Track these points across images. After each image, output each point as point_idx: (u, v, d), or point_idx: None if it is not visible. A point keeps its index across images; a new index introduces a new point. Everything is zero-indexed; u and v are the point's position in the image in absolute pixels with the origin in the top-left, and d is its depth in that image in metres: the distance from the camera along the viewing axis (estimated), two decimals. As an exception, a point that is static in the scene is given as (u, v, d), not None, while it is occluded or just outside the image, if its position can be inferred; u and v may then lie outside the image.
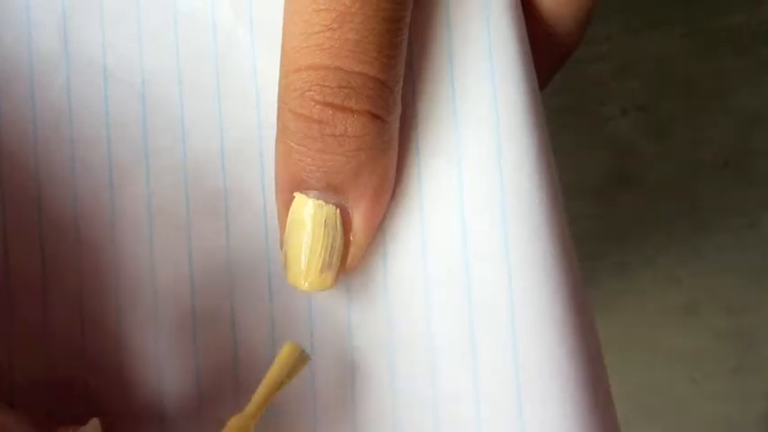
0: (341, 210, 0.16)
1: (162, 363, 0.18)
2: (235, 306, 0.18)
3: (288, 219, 0.17)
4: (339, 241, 0.17)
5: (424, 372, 0.17)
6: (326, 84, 0.15)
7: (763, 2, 0.53)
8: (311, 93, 0.16)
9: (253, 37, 0.18)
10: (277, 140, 0.17)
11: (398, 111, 0.17)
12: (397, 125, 0.17)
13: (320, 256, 0.17)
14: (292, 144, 0.16)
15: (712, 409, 0.52)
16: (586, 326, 0.17)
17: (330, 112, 0.16)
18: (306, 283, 0.17)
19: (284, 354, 0.16)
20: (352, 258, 0.17)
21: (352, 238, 0.17)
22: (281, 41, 0.16)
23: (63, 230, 0.18)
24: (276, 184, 0.17)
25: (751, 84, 0.53)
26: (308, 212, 0.16)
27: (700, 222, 0.53)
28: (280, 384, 0.16)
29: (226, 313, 0.18)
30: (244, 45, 0.18)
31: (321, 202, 0.16)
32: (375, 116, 0.16)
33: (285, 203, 0.17)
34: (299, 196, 0.16)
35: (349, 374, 0.18)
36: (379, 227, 0.17)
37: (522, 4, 0.18)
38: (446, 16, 0.18)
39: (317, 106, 0.16)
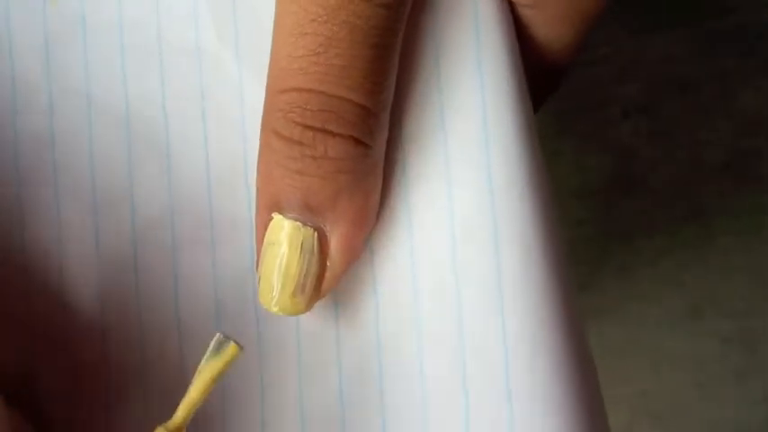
0: (318, 233, 0.16)
1: (151, 392, 0.18)
2: (222, 332, 0.18)
3: (264, 239, 0.16)
4: (315, 265, 0.16)
5: (414, 403, 0.17)
6: (308, 107, 0.15)
7: (765, 3, 0.53)
8: (293, 115, 0.16)
9: (239, 63, 0.18)
10: (259, 161, 0.17)
11: (384, 136, 0.16)
12: (381, 151, 0.16)
13: (294, 279, 0.16)
14: (272, 164, 0.16)
15: (717, 414, 0.52)
16: (581, 350, 0.17)
17: (311, 134, 0.16)
18: (277, 307, 0.16)
19: (214, 349, 0.15)
20: (327, 284, 0.17)
21: (328, 263, 0.17)
22: (268, 65, 0.16)
23: (46, 258, 0.18)
24: (256, 204, 0.17)
25: (754, 86, 0.53)
26: (285, 234, 0.16)
27: (703, 225, 0.53)
28: (211, 383, 0.16)
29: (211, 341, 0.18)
30: (230, 71, 0.18)
31: (298, 223, 0.16)
32: (357, 141, 0.16)
33: (263, 224, 0.17)
34: (276, 217, 0.16)
35: (338, 403, 0.17)
36: (361, 252, 0.17)
37: (515, 32, 0.18)
38: (435, 37, 0.17)
39: (298, 128, 0.16)
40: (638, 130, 0.53)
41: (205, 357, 0.16)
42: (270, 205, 0.16)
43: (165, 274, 0.18)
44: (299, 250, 0.16)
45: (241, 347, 0.16)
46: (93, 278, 0.19)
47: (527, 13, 0.18)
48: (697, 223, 0.53)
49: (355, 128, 0.16)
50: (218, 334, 0.16)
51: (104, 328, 0.19)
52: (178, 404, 0.18)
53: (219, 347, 0.16)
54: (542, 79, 0.20)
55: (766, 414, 0.52)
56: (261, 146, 0.16)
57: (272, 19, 0.18)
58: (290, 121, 0.16)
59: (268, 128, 0.16)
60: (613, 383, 0.52)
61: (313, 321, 0.18)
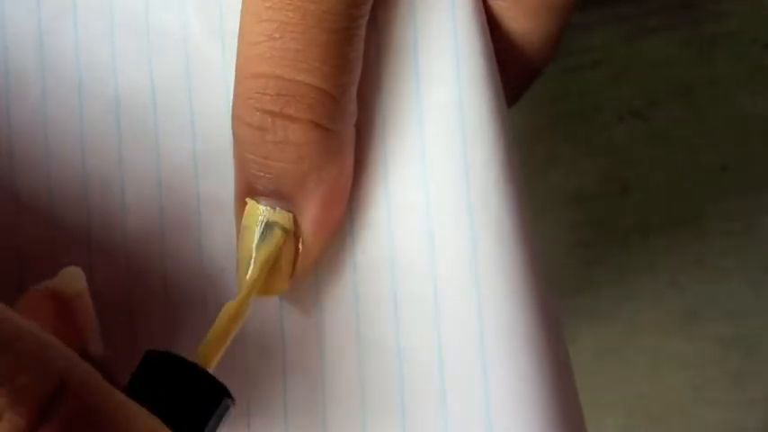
0: (289, 217, 0.17)
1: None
2: (209, 315, 0.18)
3: (241, 224, 0.17)
4: (285, 249, 0.17)
5: (393, 388, 0.17)
6: (266, 92, 0.16)
7: (759, 7, 0.53)
8: (252, 101, 0.16)
9: (224, 52, 0.18)
10: (233, 148, 0.17)
11: (347, 119, 0.17)
12: (347, 133, 0.17)
13: (267, 261, 0.17)
14: (241, 150, 0.17)
15: (714, 416, 0.52)
16: (554, 336, 0.17)
17: (269, 119, 0.16)
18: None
19: (261, 236, 0.17)
20: (300, 266, 0.17)
21: (301, 246, 0.17)
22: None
23: (41, 244, 0.19)
24: (234, 190, 0.17)
25: (748, 89, 0.53)
26: (258, 219, 0.17)
27: (699, 228, 0.53)
28: (266, 265, 0.17)
29: (201, 323, 0.18)
30: (215, 60, 0.18)
31: (269, 208, 0.17)
32: (316, 125, 0.16)
33: (240, 209, 0.17)
34: (250, 202, 0.17)
35: (320, 386, 0.18)
36: (347, 244, 0.18)
37: (489, 25, 0.18)
38: (414, 27, 0.18)
39: (257, 113, 0.16)
40: (633, 133, 0.53)
41: (255, 244, 0.17)
42: (244, 190, 0.17)
43: (154, 257, 0.19)
44: (271, 234, 0.17)
45: (286, 231, 0.17)
46: (85, 262, 0.19)
47: (500, 6, 0.19)
48: (693, 225, 0.53)
49: (313, 111, 0.16)
50: (261, 216, 0.17)
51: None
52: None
53: (265, 235, 0.17)
54: (519, 73, 0.20)
55: (764, 416, 0.52)
56: (232, 133, 0.17)
57: None
58: (251, 107, 0.16)
59: (234, 114, 0.17)
60: (610, 385, 0.52)
61: (294, 302, 0.18)
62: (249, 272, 0.17)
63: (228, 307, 0.17)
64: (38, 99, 0.19)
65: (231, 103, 0.17)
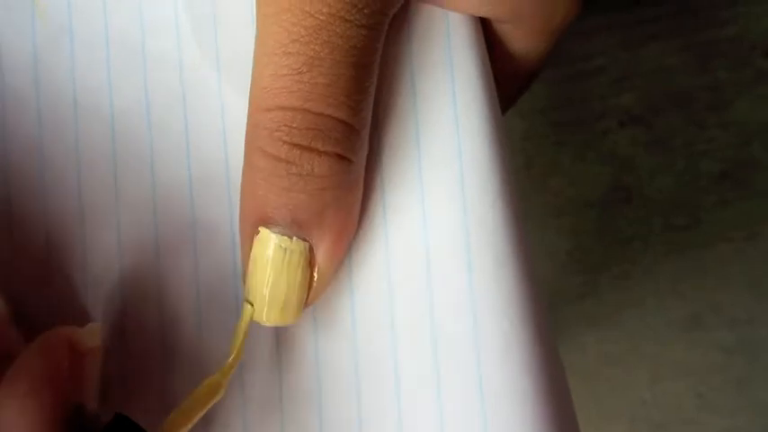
0: (305, 246, 0.17)
1: (133, 396, 0.18)
2: (203, 338, 0.18)
3: (251, 253, 0.17)
4: (302, 277, 0.17)
5: (390, 410, 0.17)
6: (294, 125, 0.16)
7: (759, 14, 0.53)
8: (279, 133, 0.16)
9: (219, 75, 0.18)
10: (243, 176, 0.17)
11: (365, 151, 0.17)
12: (363, 165, 0.17)
13: (282, 291, 0.17)
14: (259, 180, 0.16)
15: (718, 423, 0.52)
16: (550, 353, 0.17)
17: (297, 152, 0.16)
18: (267, 318, 0.17)
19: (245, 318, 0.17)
20: (314, 294, 0.17)
21: (315, 275, 0.17)
22: (249, 79, 0.17)
23: (35, 263, 0.19)
24: (240, 218, 0.17)
25: (748, 96, 0.53)
26: (273, 248, 0.17)
27: (700, 234, 0.53)
28: (244, 335, 0.17)
29: (195, 346, 0.18)
30: (210, 83, 0.18)
31: (285, 238, 0.16)
32: (342, 157, 0.16)
33: (249, 237, 0.17)
34: (263, 231, 0.17)
35: (316, 410, 0.18)
36: (344, 263, 0.18)
37: (490, 44, 0.18)
38: (410, 56, 0.18)
39: (285, 146, 0.16)
40: (634, 140, 0.53)
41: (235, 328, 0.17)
42: (256, 220, 0.17)
43: (148, 279, 0.19)
44: (288, 264, 0.17)
45: (252, 305, 0.17)
46: (82, 284, 0.19)
47: (504, 29, 0.19)
48: (694, 232, 0.53)
49: (340, 144, 0.16)
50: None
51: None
52: (156, 403, 0.19)
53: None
54: (517, 83, 0.21)
55: (767, 423, 0.52)
56: (245, 162, 0.17)
57: (251, 32, 0.18)
58: (277, 139, 0.16)
59: (253, 145, 0.16)
60: (613, 393, 0.52)
61: (292, 330, 0.18)
62: (231, 357, 0.17)
63: (209, 382, 0.17)
64: (33, 120, 0.19)
65: (247, 133, 0.16)
